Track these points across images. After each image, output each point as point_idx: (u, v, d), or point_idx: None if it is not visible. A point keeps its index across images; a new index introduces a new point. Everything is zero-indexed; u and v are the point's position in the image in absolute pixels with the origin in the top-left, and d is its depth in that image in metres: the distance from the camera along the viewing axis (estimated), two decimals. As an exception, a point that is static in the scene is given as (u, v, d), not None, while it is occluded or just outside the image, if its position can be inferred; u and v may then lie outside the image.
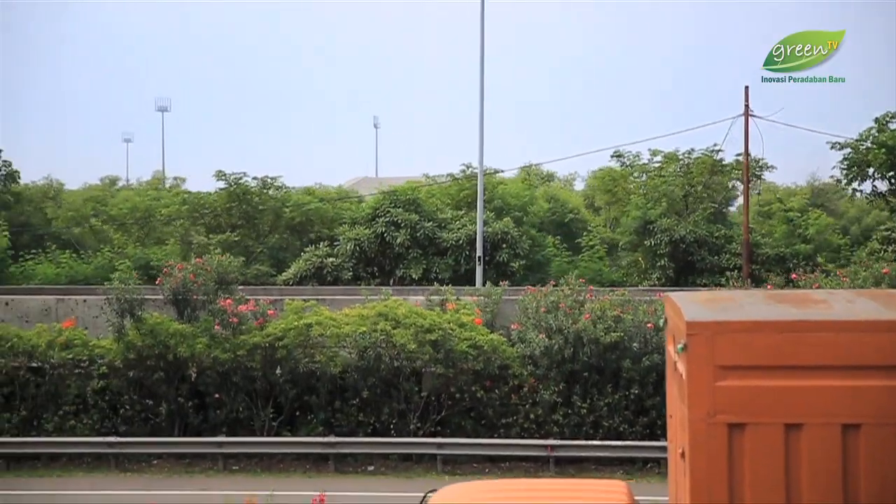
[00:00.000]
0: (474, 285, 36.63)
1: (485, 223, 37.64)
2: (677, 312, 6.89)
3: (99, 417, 24.41)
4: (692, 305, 6.94)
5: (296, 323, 23.94)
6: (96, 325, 26.07)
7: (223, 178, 40.29)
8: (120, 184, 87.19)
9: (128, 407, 24.45)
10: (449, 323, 24.02)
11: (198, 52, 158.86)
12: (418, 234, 38.11)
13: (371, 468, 23.73)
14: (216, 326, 24.02)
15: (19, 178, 64.49)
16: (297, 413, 24.53)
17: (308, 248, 39.05)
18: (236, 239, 39.46)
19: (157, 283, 25.57)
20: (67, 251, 40.84)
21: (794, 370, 6.22)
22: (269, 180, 40.88)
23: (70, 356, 24.34)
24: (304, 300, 25.42)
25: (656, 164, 42.06)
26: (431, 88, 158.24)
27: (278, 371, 24.34)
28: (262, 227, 40.90)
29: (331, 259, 38.28)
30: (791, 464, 6.17)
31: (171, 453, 24.26)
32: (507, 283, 29.90)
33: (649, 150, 42.36)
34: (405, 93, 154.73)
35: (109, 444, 23.75)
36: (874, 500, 6.09)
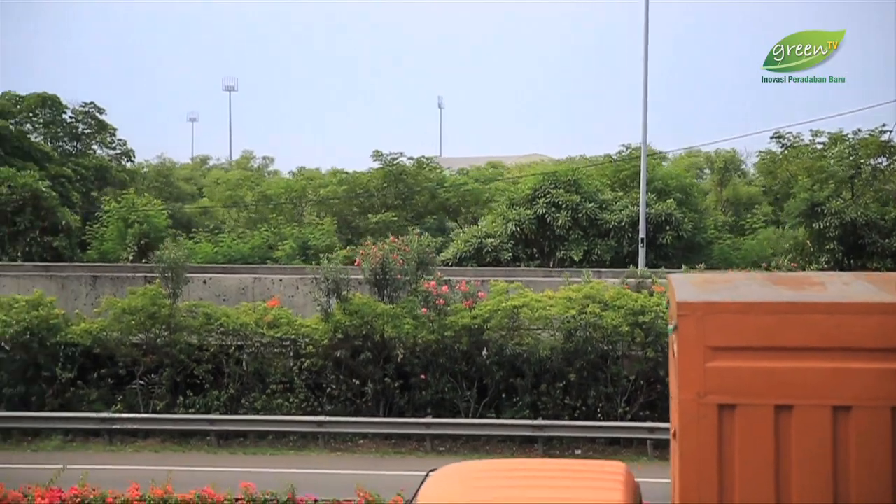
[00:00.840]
0: (637, 267, 36.23)
1: (647, 204, 37.15)
2: (672, 293, 6.80)
3: (305, 396, 24.59)
4: (686, 287, 6.88)
5: (503, 305, 23.80)
6: (292, 304, 26.31)
7: (379, 157, 40.40)
8: (210, 163, 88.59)
9: (333, 386, 24.59)
10: (657, 306, 23.65)
11: (262, 33, 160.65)
12: (580, 216, 37.78)
13: (578, 452, 23.52)
14: (423, 309, 23.99)
15: (134, 156, 65.94)
16: (503, 395, 24.39)
17: (466, 229, 39.03)
18: (394, 219, 39.55)
19: (355, 264, 25.66)
20: (225, 231, 41.34)
21: (784, 352, 6.19)
22: (424, 160, 40.85)
23: (277, 335, 24.52)
24: (509, 282, 25.27)
25: (819, 146, 41.05)
26: (496, 69, 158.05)
27: (484, 353, 24.26)
28: (417, 207, 40.90)
29: (490, 240, 38.16)
30: (781, 445, 6.14)
31: (377, 433, 24.33)
32: (663, 265, 29.46)
33: (811, 130, 41.42)
34: (470, 73, 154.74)
35: (319, 424, 23.91)
36: (863, 482, 6.05)
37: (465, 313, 24.02)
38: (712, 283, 7.15)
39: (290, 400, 24.51)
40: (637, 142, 38.14)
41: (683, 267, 29.08)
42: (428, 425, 23.74)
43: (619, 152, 41.97)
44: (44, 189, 40.00)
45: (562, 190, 38.10)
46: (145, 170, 71.00)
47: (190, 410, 24.63)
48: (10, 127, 52.35)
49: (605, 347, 23.77)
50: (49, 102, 58.85)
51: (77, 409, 24.76)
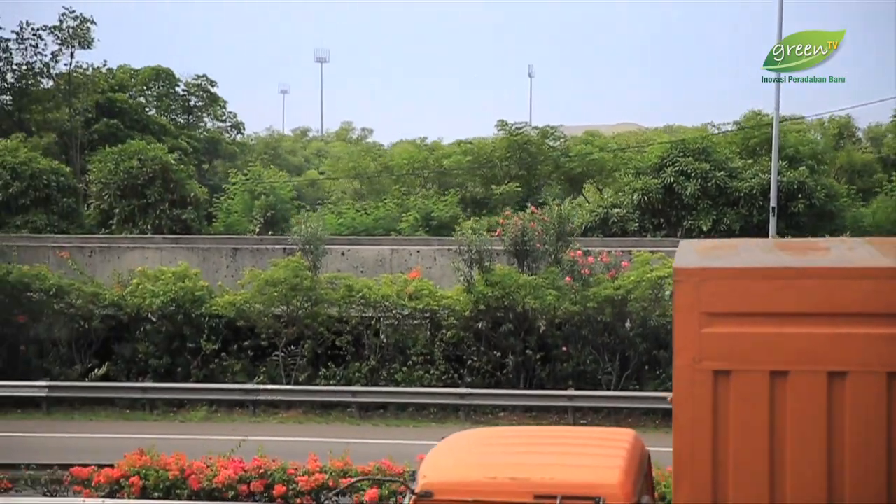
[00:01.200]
0: (766, 236, 35.35)
1: (779, 172, 36.16)
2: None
3: (445, 369, 24.55)
4: (687, 253, 6.79)
5: (647, 275, 23.38)
6: (429, 275, 26.28)
7: (504, 127, 40.08)
8: (311, 135, 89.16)
9: (475, 358, 24.50)
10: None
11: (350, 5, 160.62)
12: (709, 184, 36.96)
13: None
14: (567, 279, 23.72)
15: (244, 129, 66.66)
16: (646, 367, 24.03)
17: (590, 200, 38.56)
18: (518, 189, 39.25)
19: (496, 233, 25.48)
20: (349, 201, 41.55)
21: (779, 317, 6.13)
22: (549, 130, 40.42)
23: (419, 306, 24.51)
24: (652, 252, 24.84)
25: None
26: (585, 38, 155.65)
27: (627, 324, 23.90)
28: (541, 176, 40.53)
29: (616, 209, 37.64)
30: (776, 411, 6.08)
31: (518, 406, 24.21)
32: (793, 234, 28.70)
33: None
34: (559, 41, 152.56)
35: (461, 396, 23.88)
36: (858, 449, 6.00)
37: (608, 284, 23.68)
38: (716, 250, 7.12)
39: (431, 372, 24.50)
40: (766, 109, 37.08)
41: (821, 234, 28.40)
42: (570, 398, 23.51)
43: (747, 119, 40.86)
44: (173, 162, 40.69)
45: (690, 158, 37.32)
46: (253, 142, 71.99)
47: (331, 382, 24.82)
48: (129, 101, 53.43)
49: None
50: (162, 76, 59.92)
51: (221, 381, 25.15)
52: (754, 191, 36.67)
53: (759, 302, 6.19)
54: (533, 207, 26.04)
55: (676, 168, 37.34)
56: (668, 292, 22.62)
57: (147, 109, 55.73)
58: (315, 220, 26.40)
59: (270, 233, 37.95)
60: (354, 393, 24.30)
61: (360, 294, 24.59)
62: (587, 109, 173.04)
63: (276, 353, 25.27)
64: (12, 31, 48.73)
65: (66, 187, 41.08)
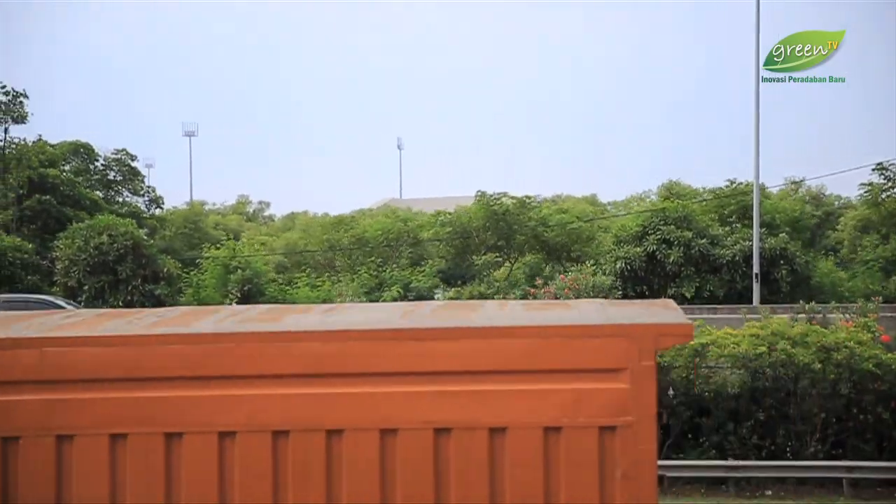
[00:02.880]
0: (750, 303, 36.02)
1: (759, 239, 36.91)
2: None
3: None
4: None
5: (690, 343, 23.35)
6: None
7: (482, 198, 40.09)
8: (206, 208, 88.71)
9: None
10: (851, 341, 23.26)
11: (218, 77, 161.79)
12: (692, 251, 37.45)
13: (769, 493, 23.01)
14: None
15: (163, 203, 65.77)
16: (689, 436, 23.90)
17: (572, 268, 38.67)
18: (498, 259, 39.21)
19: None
20: (325, 274, 40.96)
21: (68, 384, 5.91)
22: (527, 200, 40.59)
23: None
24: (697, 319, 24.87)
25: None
26: (451, 107, 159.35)
27: (671, 392, 23.77)
28: (519, 246, 40.58)
29: (601, 277, 37.77)
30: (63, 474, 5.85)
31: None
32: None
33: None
34: (427, 112, 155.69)
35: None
36: None
37: (652, 352, 23.53)
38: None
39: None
40: (748, 176, 37.87)
41: (800, 302, 28.98)
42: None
43: (724, 187, 41.71)
44: (144, 237, 39.69)
45: (672, 226, 37.80)
46: (172, 216, 70.55)
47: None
48: (61, 176, 52.18)
49: (793, 385, 23.30)
50: (81, 150, 58.84)
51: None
52: (736, 257, 37.27)
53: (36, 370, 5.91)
54: (561, 276, 25.85)
55: (658, 236, 37.78)
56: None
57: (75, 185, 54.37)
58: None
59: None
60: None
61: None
62: (455, 181, 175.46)
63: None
64: None
65: (30, 264, 39.77)
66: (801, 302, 29.00)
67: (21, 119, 50.24)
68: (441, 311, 6.55)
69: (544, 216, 40.87)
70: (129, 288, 38.83)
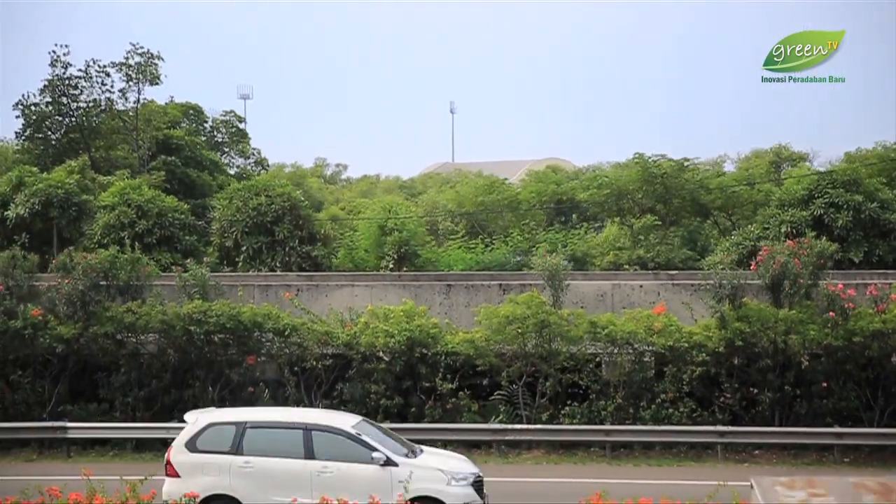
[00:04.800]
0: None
1: (933, 203, 35.96)
2: None
3: (696, 406, 23.86)
4: None
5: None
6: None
7: (639, 160, 39.60)
8: (287, 169, 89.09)
9: (728, 395, 23.81)
10: None
11: (275, 41, 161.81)
12: (862, 216, 36.56)
13: None
14: (830, 313, 23.16)
15: (267, 165, 65.99)
16: (914, 404, 23.44)
17: (735, 232, 38.10)
18: (658, 223, 38.79)
19: (751, 268, 24.93)
20: (479, 237, 40.91)
21: None
22: (685, 162, 39.99)
23: (668, 343, 23.80)
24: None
25: None
26: (505, 72, 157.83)
27: (894, 359, 23.32)
28: (679, 210, 40.04)
29: (764, 242, 37.11)
30: None
31: (775, 444, 23.49)
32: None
33: None
34: (478, 76, 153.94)
35: (720, 434, 23.22)
36: None
37: (873, 318, 23.10)
38: None
39: (680, 409, 23.77)
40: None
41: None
42: (839, 435, 22.86)
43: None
44: (301, 198, 39.92)
45: (841, 189, 36.91)
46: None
47: (573, 420, 24.05)
48: (186, 137, 52.74)
49: None
50: (191, 112, 59.36)
51: (455, 420, 24.34)
52: (907, 222, 36.32)
53: None
54: (790, 242, 25.37)
55: (826, 200, 36.92)
56: None
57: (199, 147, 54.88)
58: (555, 255, 25.73)
59: (405, 269, 37.17)
60: (608, 432, 23.54)
61: (606, 330, 23.87)
62: (510, 146, 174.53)
63: (500, 392, 24.59)
64: (79, 70, 48.19)
65: (187, 225, 40.25)
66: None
67: (155, 80, 50.66)
68: None
69: (701, 179, 40.27)
70: (287, 249, 39.05)
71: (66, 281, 24.91)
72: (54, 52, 47.76)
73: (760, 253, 24.90)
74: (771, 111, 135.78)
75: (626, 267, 36.75)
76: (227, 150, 63.94)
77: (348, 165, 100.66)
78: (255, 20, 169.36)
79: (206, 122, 61.41)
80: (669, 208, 40.07)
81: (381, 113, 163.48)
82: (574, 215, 46.75)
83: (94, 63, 49.00)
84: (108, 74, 49.28)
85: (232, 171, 59.36)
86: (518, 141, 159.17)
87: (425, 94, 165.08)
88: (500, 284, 26.72)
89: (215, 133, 62.34)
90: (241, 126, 63.46)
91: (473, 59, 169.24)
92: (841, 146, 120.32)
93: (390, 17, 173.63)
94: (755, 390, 23.67)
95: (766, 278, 23.91)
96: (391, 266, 38.78)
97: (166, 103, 56.24)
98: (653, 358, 24.60)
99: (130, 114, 50.23)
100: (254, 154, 66.03)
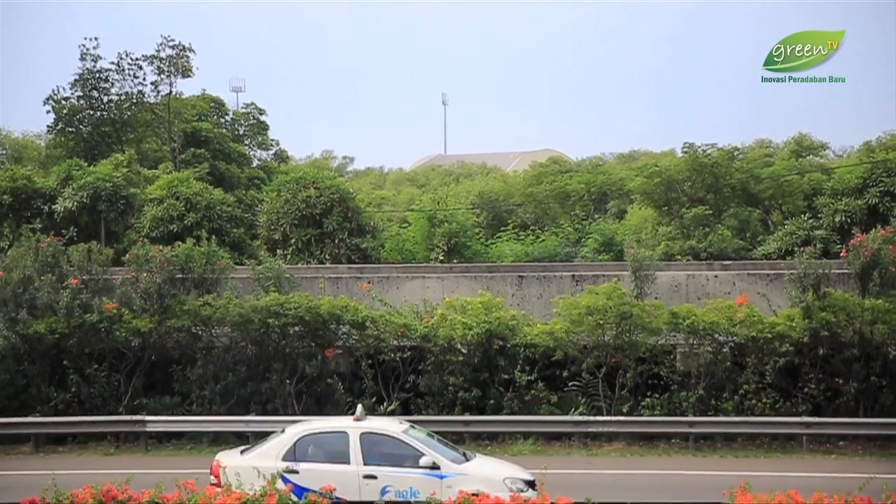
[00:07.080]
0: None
1: None
2: None
3: (780, 396, 23.65)
4: None
5: None
6: (729, 299, 25.32)
7: (689, 149, 39.36)
8: (291, 163, 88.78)
9: (812, 386, 23.59)
10: None
11: (266, 34, 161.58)
12: (920, 205, 36.32)
13: None
14: (924, 303, 22.97)
15: (288, 158, 65.76)
16: None
17: (788, 221, 37.91)
18: (709, 212, 38.57)
19: (841, 256, 24.70)
20: (528, 228, 40.73)
21: None
22: (735, 151, 39.75)
23: (751, 333, 23.56)
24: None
25: None
26: (497, 65, 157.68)
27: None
28: (728, 199, 39.79)
29: (818, 232, 36.91)
30: None
31: (860, 434, 23.27)
32: None
33: None
34: (468, 69, 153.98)
35: (807, 425, 23.00)
36: None
37: (968, 307, 22.88)
38: None
39: (763, 400, 23.55)
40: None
41: None
42: (924, 425, 22.65)
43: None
44: (350, 190, 39.70)
45: (896, 178, 36.67)
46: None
47: (655, 412, 23.85)
48: (214, 130, 52.54)
49: None
50: (213, 104, 59.09)
51: (533, 412, 24.16)
52: (965, 210, 36.05)
53: None
54: (883, 231, 25.12)
55: (881, 188, 36.70)
56: None
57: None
58: (640, 246, 25.54)
59: (455, 260, 36.96)
60: (692, 423, 23.34)
61: (687, 321, 23.65)
62: (499, 136, 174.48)
63: (574, 382, 24.41)
64: (111, 62, 48.02)
65: (234, 218, 40.07)
66: None
67: (186, 73, 50.44)
68: None
69: (751, 168, 40.01)
70: (336, 241, 38.84)
71: (145, 275, 24.72)
72: (84, 45, 47.58)
73: (852, 241, 24.52)
74: (765, 106, 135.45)
75: (679, 257, 36.50)
76: (247, 142, 63.91)
77: (355, 158, 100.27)
78: (247, 14, 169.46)
79: (228, 114, 61.26)
80: (720, 198, 39.79)
81: (370, 105, 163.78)
82: (610, 205, 46.55)
83: (126, 56, 48.82)
84: (140, 67, 49.14)
85: (254, 164, 59.20)
86: (508, 133, 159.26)
87: (416, 85, 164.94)
88: (573, 276, 26.52)
89: (236, 126, 62.22)
90: (262, 118, 63.34)
91: (464, 52, 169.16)
92: (840, 143, 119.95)
93: (382, 10, 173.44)
94: (839, 381, 23.44)
95: (857, 265, 23.62)
96: (441, 258, 38.57)
97: (196, 96, 56.01)
98: (730, 349, 24.40)
99: (161, 106, 49.99)
100: (273, 145, 65.96)
